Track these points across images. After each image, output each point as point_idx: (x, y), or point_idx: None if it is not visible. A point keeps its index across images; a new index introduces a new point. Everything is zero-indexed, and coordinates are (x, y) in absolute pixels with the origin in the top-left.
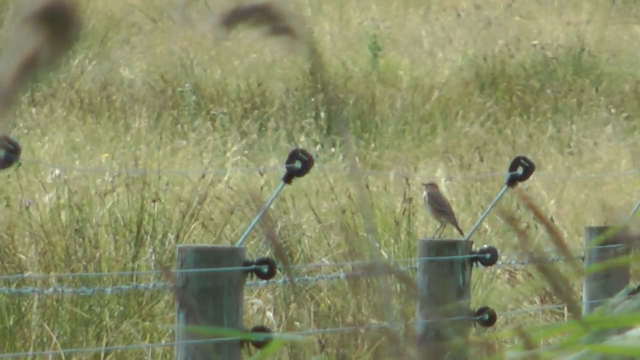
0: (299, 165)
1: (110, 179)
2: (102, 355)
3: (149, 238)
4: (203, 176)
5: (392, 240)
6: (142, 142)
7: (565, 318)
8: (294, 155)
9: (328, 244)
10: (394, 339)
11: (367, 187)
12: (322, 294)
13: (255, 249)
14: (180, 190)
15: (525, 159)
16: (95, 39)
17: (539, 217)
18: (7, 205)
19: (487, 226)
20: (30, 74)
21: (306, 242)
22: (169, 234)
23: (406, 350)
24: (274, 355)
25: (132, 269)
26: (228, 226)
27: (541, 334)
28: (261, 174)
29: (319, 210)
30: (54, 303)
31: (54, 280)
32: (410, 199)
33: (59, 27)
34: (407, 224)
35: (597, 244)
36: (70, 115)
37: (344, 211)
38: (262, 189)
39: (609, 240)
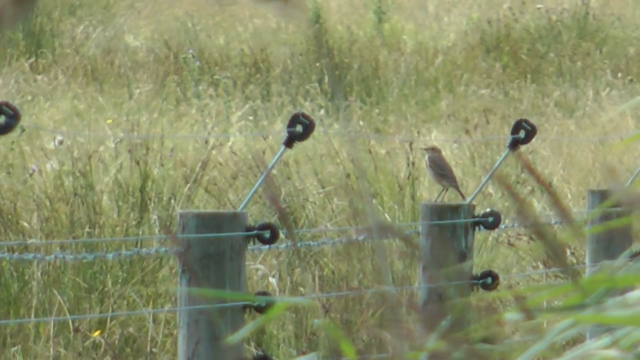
0: (300, 129)
1: (113, 145)
2: (107, 320)
3: (152, 204)
4: (206, 142)
5: (396, 206)
6: (146, 108)
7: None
8: (295, 119)
9: (332, 209)
10: (394, 302)
11: (370, 151)
12: (326, 259)
13: (259, 215)
14: (184, 156)
15: (527, 122)
16: (99, 5)
17: (539, 180)
18: (9, 173)
19: (491, 190)
20: None
21: (310, 207)
22: (172, 200)
23: (408, 314)
24: (278, 321)
25: (136, 235)
26: (232, 191)
27: (539, 296)
28: (264, 139)
29: (322, 176)
30: (57, 270)
31: (56, 247)
32: (413, 163)
33: None
34: (411, 189)
35: (599, 207)
36: (74, 82)
37: (348, 175)
38: (264, 153)
39: (612, 203)
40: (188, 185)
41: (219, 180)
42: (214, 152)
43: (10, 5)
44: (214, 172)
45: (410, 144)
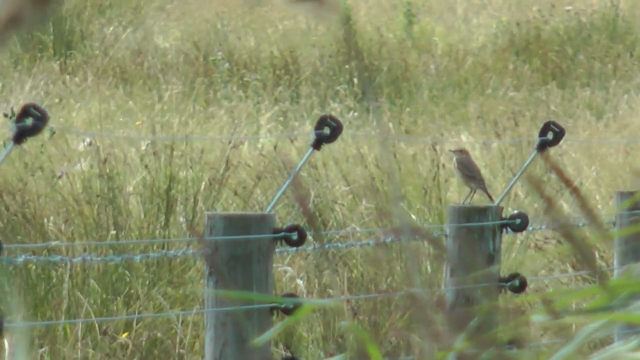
0: (327, 131)
1: (143, 147)
2: (133, 322)
3: (178, 205)
4: (229, 142)
5: (424, 208)
6: (175, 110)
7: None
8: (323, 122)
9: (360, 211)
10: (422, 304)
11: (395, 155)
12: (354, 261)
13: (287, 216)
14: (213, 157)
15: (555, 124)
16: (129, 6)
17: (566, 181)
18: (32, 175)
19: (520, 192)
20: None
21: (338, 209)
22: (199, 201)
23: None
24: (307, 323)
25: (163, 237)
26: (259, 192)
27: (566, 298)
28: (291, 141)
29: (350, 178)
30: (85, 271)
31: (83, 249)
32: (443, 165)
33: None
34: (438, 191)
35: (627, 208)
36: (103, 84)
37: (373, 178)
38: (287, 155)
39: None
40: (214, 186)
41: (246, 182)
42: (241, 153)
43: (30, 6)
44: (242, 174)
45: (434, 145)
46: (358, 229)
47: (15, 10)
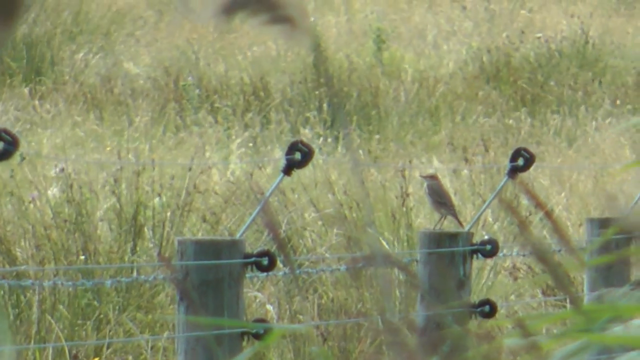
0: (299, 156)
1: (111, 173)
2: (104, 347)
3: (147, 231)
4: (198, 168)
5: (394, 235)
6: (145, 135)
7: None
8: (293, 147)
9: (329, 239)
10: (394, 329)
11: (367, 180)
12: (324, 287)
13: (256, 242)
14: (182, 183)
15: (525, 150)
16: (99, 32)
17: (540, 206)
18: (0, 200)
19: (489, 219)
20: None
21: (308, 235)
22: (167, 227)
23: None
24: (277, 349)
25: (132, 262)
26: (227, 218)
27: (540, 322)
28: (260, 167)
29: (320, 204)
30: (54, 296)
31: (52, 274)
32: (408, 194)
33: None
34: (407, 217)
35: (599, 236)
36: (74, 110)
37: (342, 205)
38: (257, 181)
39: (613, 232)
40: (182, 212)
41: (215, 208)
42: (212, 179)
43: None
44: (211, 200)
45: (403, 172)
46: (327, 255)
47: None
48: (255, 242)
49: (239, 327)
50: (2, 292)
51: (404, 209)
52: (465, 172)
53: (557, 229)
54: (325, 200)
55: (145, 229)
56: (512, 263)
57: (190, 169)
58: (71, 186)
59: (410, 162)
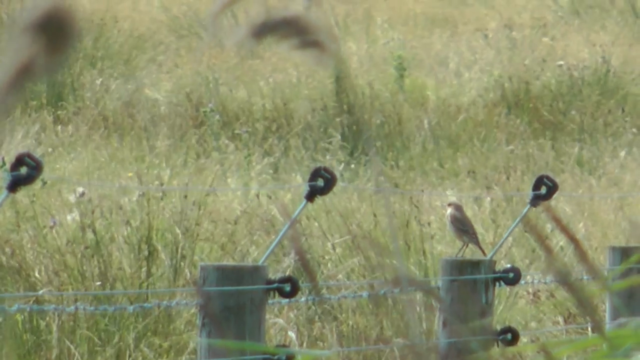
0: (321, 183)
1: (135, 198)
2: None
3: (163, 257)
4: (207, 194)
5: (413, 261)
6: (167, 161)
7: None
8: (316, 173)
9: (349, 266)
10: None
11: (390, 207)
12: (344, 315)
13: (274, 268)
14: (202, 209)
15: (548, 178)
16: (120, 58)
17: (565, 232)
18: (20, 226)
19: (512, 247)
20: (25, 81)
21: (327, 263)
22: (183, 252)
23: None
24: None
25: (147, 287)
26: (243, 244)
27: (564, 349)
28: (268, 197)
29: (340, 231)
30: (72, 322)
31: (70, 300)
32: (423, 223)
33: (55, 36)
34: (421, 244)
35: (620, 264)
36: (95, 135)
37: (366, 231)
38: (280, 206)
39: (636, 259)
40: (199, 238)
41: (230, 233)
42: (232, 204)
43: (43, 55)
44: (228, 226)
45: (414, 203)
46: (348, 281)
47: (29, 58)
48: (272, 268)
49: (262, 352)
50: (22, 317)
51: (419, 237)
52: (487, 199)
53: (581, 254)
54: (345, 227)
55: (162, 255)
56: (533, 290)
57: (208, 195)
58: (92, 212)
59: (422, 190)
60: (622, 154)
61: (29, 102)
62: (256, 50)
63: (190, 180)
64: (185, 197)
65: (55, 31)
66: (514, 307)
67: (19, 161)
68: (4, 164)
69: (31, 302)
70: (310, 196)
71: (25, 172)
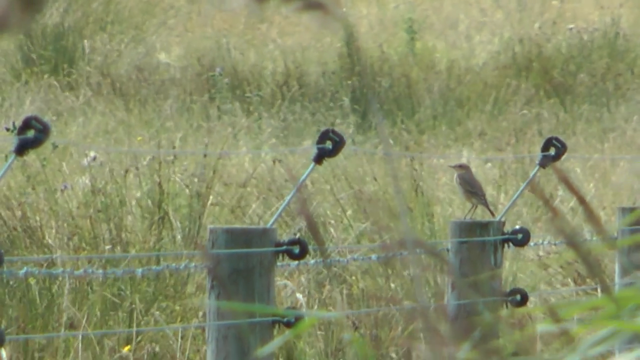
0: (329, 145)
1: (145, 162)
2: (133, 336)
3: (173, 220)
4: (204, 156)
5: (424, 223)
6: (176, 126)
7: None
8: (325, 136)
9: (357, 229)
10: (426, 316)
11: (396, 171)
12: (353, 277)
13: (281, 230)
14: (213, 172)
15: (557, 139)
16: (130, 22)
17: (574, 192)
18: (34, 189)
19: (522, 209)
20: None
21: (336, 225)
22: (196, 216)
23: (438, 328)
24: (308, 337)
25: (158, 250)
26: (252, 207)
27: (571, 310)
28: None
29: (348, 194)
30: (84, 286)
31: (82, 263)
32: (437, 185)
33: None
34: (428, 207)
35: (629, 223)
36: (104, 100)
37: (374, 194)
38: (289, 169)
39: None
40: (209, 201)
41: (242, 196)
42: (243, 168)
43: (16, 9)
44: (238, 189)
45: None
46: (357, 244)
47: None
48: (281, 231)
49: (271, 314)
50: (35, 281)
51: (425, 198)
52: (496, 161)
53: (590, 214)
54: (353, 190)
55: (172, 219)
56: (543, 252)
57: (219, 159)
58: (98, 177)
59: (444, 151)
60: (635, 117)
61: (39, 67)
62: (265, 14)
63: (203, 143)
64: (205, 156)
65: None
66: (524, 269)
67: (26, 124)
68: (15, 128)
69: (44, 266)
70: (319, 159)
71: (33, 135)
